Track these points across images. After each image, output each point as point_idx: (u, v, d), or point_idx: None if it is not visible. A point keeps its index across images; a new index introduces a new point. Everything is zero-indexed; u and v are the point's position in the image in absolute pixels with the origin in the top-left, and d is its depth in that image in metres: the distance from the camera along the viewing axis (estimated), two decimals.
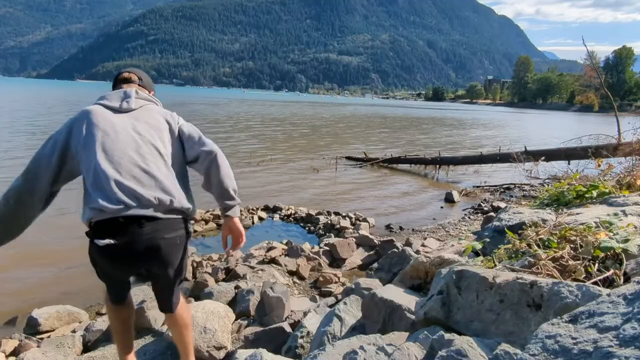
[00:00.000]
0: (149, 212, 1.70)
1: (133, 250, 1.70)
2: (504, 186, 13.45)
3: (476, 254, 3.07)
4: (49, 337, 4.35)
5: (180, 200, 1.86)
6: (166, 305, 2.14)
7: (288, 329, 4.05)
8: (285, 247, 7.01)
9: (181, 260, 1.97)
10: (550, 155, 13.42)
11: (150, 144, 1.81)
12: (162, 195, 1.74)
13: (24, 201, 1.84)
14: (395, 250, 6.13)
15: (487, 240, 3.30)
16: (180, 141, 1.97)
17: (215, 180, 2.01)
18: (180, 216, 1.90)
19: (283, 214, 9.43)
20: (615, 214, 2.95)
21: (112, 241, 1.65)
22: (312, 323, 3.67)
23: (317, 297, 5.49)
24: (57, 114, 31.26)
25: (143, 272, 1.98)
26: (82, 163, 1.77)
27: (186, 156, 2.02)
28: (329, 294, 5.54)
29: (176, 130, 2.00)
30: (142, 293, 5.28)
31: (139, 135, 1.80)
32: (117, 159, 1.69)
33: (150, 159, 1.76)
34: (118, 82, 2.09)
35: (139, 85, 2.11)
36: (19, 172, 1.98)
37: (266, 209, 9.73)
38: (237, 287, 5.26)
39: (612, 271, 2.06)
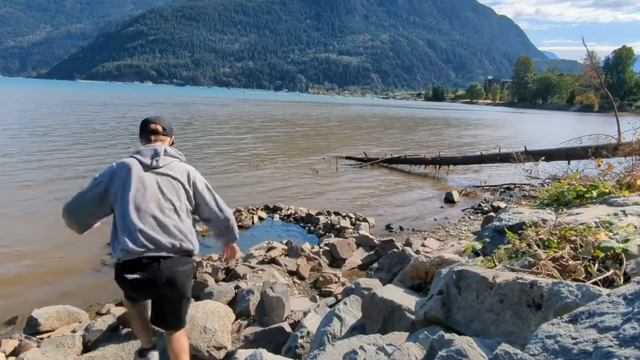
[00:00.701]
0: (165, 253, 2.23)
1: (155, 281, 2.24)
2: (504, 186, 13.45)
3: (476, 254, 3.07)
4: (49, 337, 4.34)
5: (188, 243, 2.37)
6: (175, 323, 2.54)
7: (288, 329, 4.05)
8: (285, 247, 7.01)
9: (190, 285, 2.49)
10: (550, 155, 13.42)
11: (169, 201, 2.31)
12: (174, 240, 2.27)
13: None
14: (395, 250, 6.13)
15: (487, 240, 3.30)
16: (193, 194, 2.42)
17: (228, 237, 2.74)
18: (188, 254, 2.42)
19: (283, 214, 9.43)
20: (615, 214, 2.95)
21: (138, 276, 2.18)
22: (312, 323, 3.67)
23: (317, 297, 5.49)
24: (60, 115, 31.27)
25: (158, 295, 2.43)
26: (117, 208, 2.36)
27: (198, 213, 2.55)
28: (329, 294, 5.54)
29: (192, 186, 2.42)
30: None
31: (161, 194, 2.30)
32: (142, 213, 2.24)
33: (167, 213, 2.28)
34: (147, 132, 2.53)
35: (163, 134, 2.52)
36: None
37: (266, 209, 9.73)
38: (237, 287, 5.26)
39: (612, 271, 2.06)
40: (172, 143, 2.63)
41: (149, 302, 2.65)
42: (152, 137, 2.48)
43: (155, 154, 2.34)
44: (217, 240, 2.77)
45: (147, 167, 2.32)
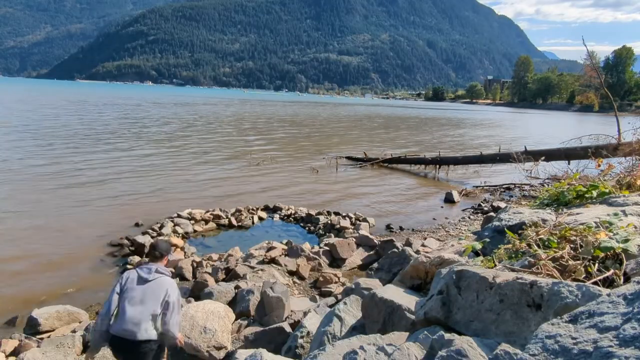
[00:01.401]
0: (145, 335, 3.09)
1: (134, 352, 3.13)
2: (504, 186, 13.45)
3: (476, 254, 3.07)
4: (49, 337, 4.34)
5: (146, 332, 3.11)
6: None
7: (288, 329, 4.05)
8: (285, 247, 7.01)
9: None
10: (550, 155, 13.41)
11: (149, 307, 3.14)
12: (142, 332, 3.08)
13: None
14: (395, 250, 6.13)
15: (487, 240, 3.30)
16: (165, 298, 3.20)
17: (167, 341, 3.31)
18: (147, 340, 3.13)
19: (283, 214, 9.43)
20: (615, 214, 2.95)
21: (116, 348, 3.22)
22: (312, 323, 3.68)
23: (317, 297, 5.49)
24: (64, 116, 31.27)
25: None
26: (120, 302, 3.18)
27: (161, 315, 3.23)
28: (329, 294, 5.54)
29: (172, 297, 3.21)
30: None
31: (149, 298, 3.16)
32: (135, 307, 3.12)
33: (151, 310, 3.13)
34: (151, 253, 3.43)
35: (158, 256, 3.39)
36: None
37: (266, 209, 9.74)
38: (237, 287, 5.26)
39: (612, 271, 2.06)
40: (168, 261, 3.54)
41: None
42: (152, 258, 3.42)
43: (149, 272, 3.25)
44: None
45: (143, 280, 3.23)
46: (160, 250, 3.39)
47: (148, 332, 3.10)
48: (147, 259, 3.57)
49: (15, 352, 4.04)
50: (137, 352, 3.11)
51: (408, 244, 7.02)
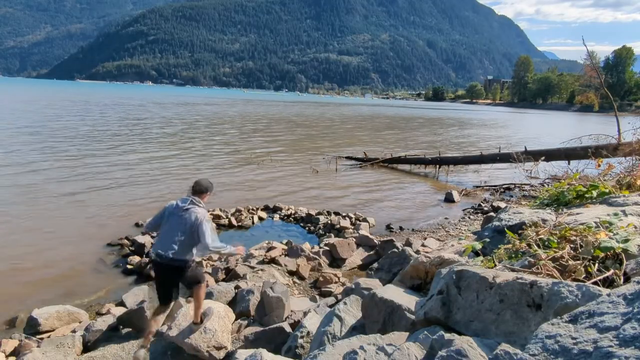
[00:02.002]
0: (173, 255, 3.64)
1: (165, 268, 3.74)
2: (504, 186, 13.45)
3: (476, 254, 3.07)
4: (49, 337, 4.34)
5: (180, 255, 3.68)
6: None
7: (288, 329, 4.05)
8: (285, 247, 7.01)
9: (186, 276, 3.85)
10: (550, 155, 13.42)
11: (184, 229, 3.67)
12: (174, 251, 3.64)
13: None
14: (395, 250, 6.13)
15: (487, 240, 3.31)
16: (195, 227, 3.68)
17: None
18: (183, 260, 3.72)
19: (283, 214, 9.43)
20: (615, 214, 2.95)
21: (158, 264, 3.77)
22: (312, 323, 3.68)
23: (317, 297, 5.49)
24: (68, 116, 31.27)
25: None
26: (161, 226, 3.84)
27: (196, 240, 3.72)
28: (329, 294, 5.54)
29: (197, 227, 3.66)
30: (142, 293, 5.29)
31: (179, 224, 3.69)
32: (163, 230, 3.79)
33: (180, 235, 3.66)
34: (193, 188, 3.92)
35: (199, 191, 3.90)
36: None
37: (266, 209, 9.73)
38: (237, 287, 5.26)
39: (612, 271, 2.06)
40: (207, 197, 4.01)
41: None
42: (192, 192, 3.91)
43: (185, 202, 3.79)
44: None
45: (179, 208, 3.75)
46: (200, 187, 3.91)
47: (176, 254, 3.60)
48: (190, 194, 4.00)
49: (15, 352, 4.04)
50: (168, 270, 3.69)
51: (408, 244, 7.02)
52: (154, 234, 7.49)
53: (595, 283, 1.95)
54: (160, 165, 14.22)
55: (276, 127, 32.46)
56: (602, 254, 2.17)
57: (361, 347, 2.09)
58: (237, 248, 3.97)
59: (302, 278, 6.15)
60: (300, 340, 3.52)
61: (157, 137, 21.73)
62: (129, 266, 6.37)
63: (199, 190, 3.89)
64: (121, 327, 4.42)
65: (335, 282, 5.89)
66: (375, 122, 44.53)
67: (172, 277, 3.78)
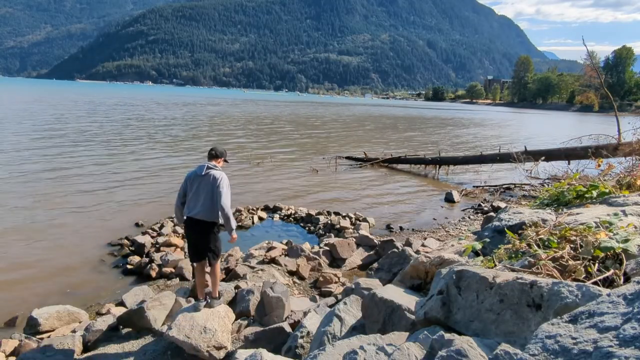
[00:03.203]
0: (200, 216, 4.11)
1: (195, 231, 4.18)
2: (504, 186, 13.45)
3: (476, 254, 3.07)
4: (49, 337, 4.34)
5: (211, 215, 4.14)
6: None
7: (288, 329, 4.05)
8: (285, 247, 7.01)
9: (212, 238, 4.25)
10: (550, 155, 13.42)
11: (206, 192, 4.12)
12: (202, 213, 4.11)
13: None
14: (395, 250, 6.13)
15: (487, 240, 3.31)
16: (215, 189, 4.12)
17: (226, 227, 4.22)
18: (210, 221, 4.17)
19: (283, 214, 9.43)
20: (615, 214, 2.95)
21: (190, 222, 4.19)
22: (312, 323, 3.68)
23: (317, 297, 5.49)
24: (84, 117, 31.25)
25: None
26: (187, 194, 4.24)
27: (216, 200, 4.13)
28: (329, 294, 5.54)
29: (217, 184, 4.11)
30: (142, 293, 5.29)
31: (203, 189, 4.14)
32: (195, 195, 4.16)
33: (203, 198, 4.11)
34: (209, 153, 4.44)
35: (214, 155, 4.39)
36: None
37: (266, 209, 9.73)
38: (237, 287, 5.26)
39: (612, 271, 2.06)
40: (225, 160, 4.52)
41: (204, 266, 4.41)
42: (208, 157, 4.39)
43: (202, 168, 4.24)
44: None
45: (198, 175, 4.20)
46: (216, 152, 4.40)
47: (205, 215, 4.08)
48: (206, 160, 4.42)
49: (15, 352, 4.04)
50: (199, 229, 4.14)
51: (408, 244, 7.02)
52: (153, 234, 7.52)
53: (595, 283, 1.95)
54: (161, 165, 14.22)
55: (276, 127, 32.46)
56: (602, 254, 2.17)
57: (361, 347, 2.09)
58: (234, 237, 4.24)
59: (302, 278, 6.15)
60: (300, 340, 3.52)
61: (158, 137, 21.73)
62: (129, 266, 6.37)
63: (214, 155, 4.37)
64: (121, 327, 4.42)
65: (335, 282, 5.89)
66: (376, 122, 44.53)
67: (202, 237, 4.17)
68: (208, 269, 4.42)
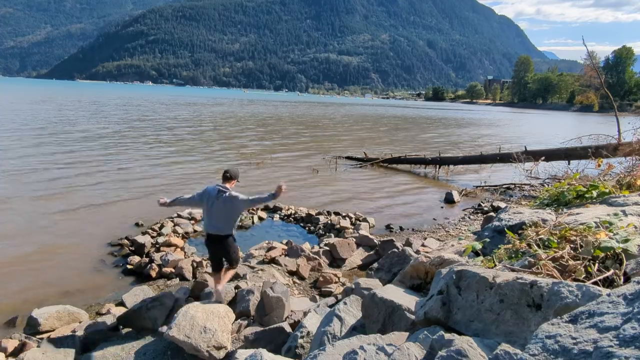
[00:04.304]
0: (215, 232, 4.57)
1: (214, 244, 4.66)
2: (504, 186, 13.45)
3: (476, 254, 3.07)
4: (49, 337, 4.34)
5: (224, 229, 4.58)
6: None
7: (288, 329, 4.05)
8: (285, 247, 7.01)
9: (231, 249, 4.75)
10: (550, 155, 13.42)
11: (222, 211, 4.51)
12: (220, 229, 4.57)
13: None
14: (395, 250, 6.13)
15: (487, 240, 3.31)
16: (235, 203, 4.53)
17: (267, 200, 4.67)
18: (228, 234, 4.64)
19: (283, 214, 9.43)
20: (615, 214, 2.95)
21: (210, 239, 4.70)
22: (312, 323, 3.67)
23: (317, 297, 5.49)
24: (77, 117, 31.25)
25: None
26: (203, 210, 4.70)
27: (234, 216, 4.69)
28: (329, 294, 5.54)
29: (233, 200, 4.50)
30: (142, 293, 5.29)
31: (216, 210, 4.51)
32: (209, 215, 4.57)
33: (216, 217, 4.54)
34: (223, 175, 4.70)
35: (228, 178, 4.65)
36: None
37: (266, 209, 9.73)
38: (237, 287, 5.26)
39: (612, 271, 2.06)
40: (234, 183, 4.76)
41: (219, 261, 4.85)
42: (223, 179, 4.68)
43: (216, 190, 4.55)
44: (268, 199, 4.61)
45: (213, 196, 4.53)
46: (230, 174, 4.68)
47: (225, 230, 4.54)
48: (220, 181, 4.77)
49: (15, 352, 4.04)
50: (218, 244, 4.61)
51: (408, 244, 7.02)
52: (153, 234, 7.52)
53: (595, 283, 1.95)
54: (160, 164, 14.22)
55: (277, 127, 32.46)
56: (602, 254, 2.17)
57: (361, 347, 2.09)
58: (278, 188, 4.48)
59: (302, 278, 6.15)
60: (300, 340, 3.52)
61: (161, 136, 21.73)
62: (129, 266, 6.37)
63: (228, 177, 4.64)
64: (121, 327, 4.42)
65: (335, 282, 5.89)
66: (376, 122, 44.53)
67: (220, 249, 4.67)
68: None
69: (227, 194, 4.49)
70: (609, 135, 12.57)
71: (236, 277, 5.79)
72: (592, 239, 2.32)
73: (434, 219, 9.76)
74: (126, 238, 7.29)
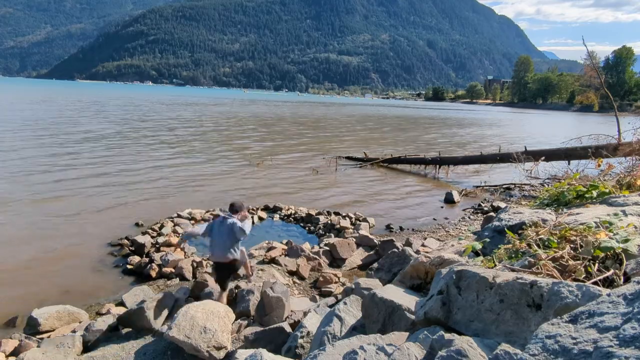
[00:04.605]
0: (222, 259, 4.95)
1: (219, 268, 5.08)
2: (504, 186, 13.45)
3: (476, 254, 3.07)
4: (49, 337, 4.34)
5: (230, 255, 4.94)
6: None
7: (288, 329, 4.05)
8: (285, 247, 7.01)
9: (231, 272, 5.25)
10: (550, 155, 13.42)
11: (226, 237, 4.90)
12: (226, 254, 4.92)
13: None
14: (395, 250, 6.13)
15: (487, 240, 3.31)
16: (234, 230, 4.94)
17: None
18: (232, 259, 5.00)
19: (283, 214, 9.43)
20: (615, 214, 2.95)
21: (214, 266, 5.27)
22: (312, 323, 3.67)
23: (317, 297, 5.49)
24: (79, 117, 31.23)
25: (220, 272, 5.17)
26: (210, 237, 5.09)
27: (236, 239, 5.02)
28: (329, 294, 5.54)
29: (234, 229, 4.90)
30: (142, 293, 5.29)
31: (223, 234, 4.92)
32: (215, 242, 5.00)
33: (226, 243, 4.90)
34: (230, 206, 5.18)
35: (234, 210, 5.12)
36: None
37: (266, 209, 9.73)
38: (237, 287, 5.27)
39: (612, 271, 2.06)
40: (241, 214, 5.20)
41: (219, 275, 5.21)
42: (230, 210, 5.16)
43: (223, 219, 5.04)
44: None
45: (220, 224, 5.01)
46: (236, 207, 5.15)
47: (231, 255, 4.91)
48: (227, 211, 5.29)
49: (15, 352, 4.04)
50: (222, 267, 4.99)
51: (408, 244, 7.02)
52: (153, 234, 7.52)
53: (595, 283, 1.95)
54: (161, 165, 14.22)
55: (278, 126, 32.45)
56: (602, 254, 2.17)
57: (361, 347, 2.09)
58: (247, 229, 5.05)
59: (302, 278, 6.15)
60: (300, 340, 3.52)
61: (162, 137, 21.73)
62: (129, 266, 6.37)
63: (235, 210, 5.14)
64: (121, 327, 4.42)
65: (335, 282, 5.89)
66: (376, 122, 44.52)
67: (224, 272, 5.04)
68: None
69: (229, 220, 4.95)
70: (609, 135, 12.57)
71: (236, 277, 5.79)
72: (592, 239, 2.32)
73: (434, 219, 9.76)
74: (126, 238, 7.29)
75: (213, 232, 4.96)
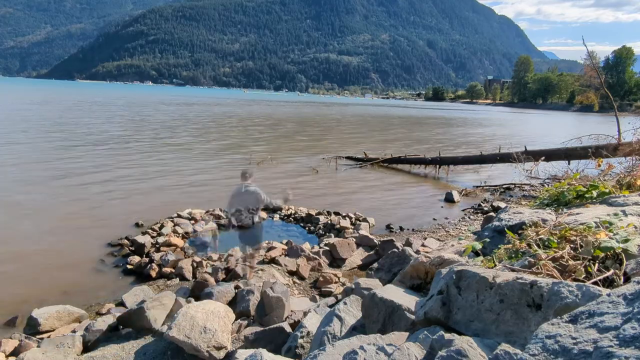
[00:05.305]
0: (249, 223, 5.66)
1: (244, 230, 5.72)
2: (504, 186, 13.45)
3: (476, 254, 3.07)
4: (49, 337, 4.34)
5: (256, 218, 5.67)
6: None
7: (288, 329, 4.05)
8: (285, 247, 7.01)
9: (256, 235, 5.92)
10: (550, 155, 13.41)
11: (247, 203, 5.57)
12: (249, 220, 5.63)
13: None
14: (395, 250, 6.13)
15: (487, 240, 3.31)
16: (258, 195, 5.59)
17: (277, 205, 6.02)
18: (255, 222, 5.73)
19: (283, 214, 9.43)
20: (615, 214, 2.95)
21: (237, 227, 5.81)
22: (312, 323, 3.67)
23: (317, 297, 5.49)
24: (80, 117, 31.23)
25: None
26: (231, 204, 5.75)
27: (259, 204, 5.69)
28: (329, 294, 5.54)
29: (256, 193, 5.54)
30: (142, 293, 5.29)
31: (245, 200, 5.59)
32: (237, 207, 5.66)
33: (245, 208, 5.59)
34: (242, 174, 5.79)
35: (247, 177, 5.69)
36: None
37: (266, 208, 9.73)
38: (237, 287, 5.27)
39: (612, 271, 2.06)
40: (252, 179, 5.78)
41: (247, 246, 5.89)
42: (243, 178, 5.73)
43: (241, 186, 5.56)
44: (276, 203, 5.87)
45: (240, 191, 5.55)
46: (248, 174, 5.73)
47: (252, 219, 5.54)
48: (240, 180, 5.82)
49: (15, 352, 4.04)
50: (250, 231, 5.59)
51: (408, 244, 7.02)
52: (153, 234, 7.53)
53: (595, 283, 1.95)
54: (160, 164, 14.23)
55: (278, 126, 32.45)
56: (602, 254, 2.17)
57: (361, 347, 2.09)
58: (283, 199, 5.97)
59: (302, 278, 6.15)
60: (300, 340, 3.52)
61: (162, 137, 21.74)
62: (129, 266, 6.37)
63: (247, 176, 5.70)
64: (121, 327, 4.42)
65: (335, 282, 5.89)
66: (376, 122, 44.51)
67: (247, 235, 5.63)
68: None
69: (251, 187, 5.55)
70: (609, 135, 12.56)
71: (236, 277, 5.80)
72: (592, 239, 2.32)
73: (434, 219, 9.76)
74: (126, 238, 7.29)
75: (234, 199, 5.54)
